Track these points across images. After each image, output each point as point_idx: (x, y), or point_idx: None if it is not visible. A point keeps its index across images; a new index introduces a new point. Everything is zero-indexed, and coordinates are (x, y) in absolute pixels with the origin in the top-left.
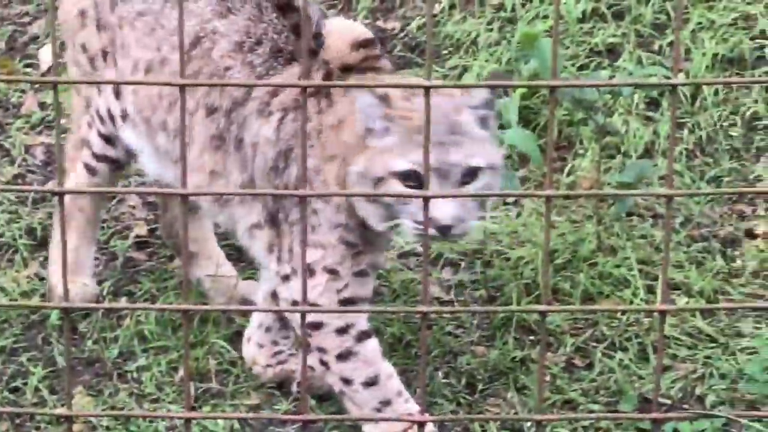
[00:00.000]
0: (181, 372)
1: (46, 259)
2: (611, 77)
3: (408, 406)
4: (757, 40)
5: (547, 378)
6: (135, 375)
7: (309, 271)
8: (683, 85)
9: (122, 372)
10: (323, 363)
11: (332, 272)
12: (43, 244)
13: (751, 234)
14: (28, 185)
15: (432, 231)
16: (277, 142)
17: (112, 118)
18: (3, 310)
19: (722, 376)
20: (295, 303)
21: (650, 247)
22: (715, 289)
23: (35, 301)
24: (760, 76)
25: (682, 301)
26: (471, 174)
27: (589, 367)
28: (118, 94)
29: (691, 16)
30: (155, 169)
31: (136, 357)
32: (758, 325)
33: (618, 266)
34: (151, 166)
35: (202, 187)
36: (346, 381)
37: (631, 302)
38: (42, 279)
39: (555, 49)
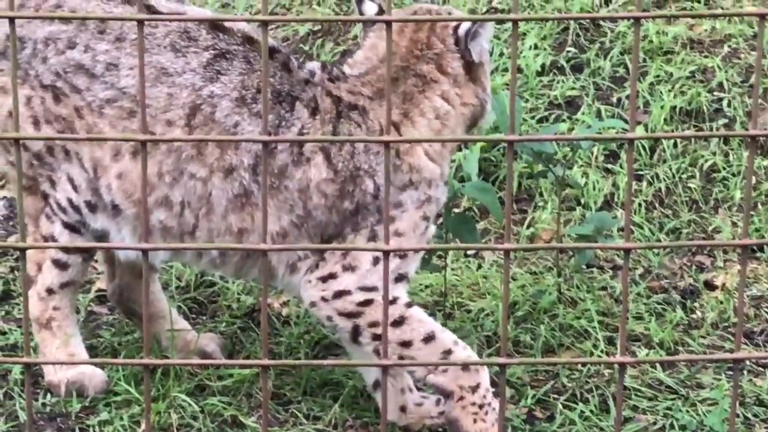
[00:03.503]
0: (143, 426)
1: (8, 313)
2: (570, 129)
3: (468, 353)
4: (715, 93)
5: (508, 430)
6: (97, 429)
7: (375, 260)
8: (640, 139)
9: (84, 426)
10: (377, 337)
11: (402, 257)
12: (4, 297)
13: (710, 285)
14: None
15: None
16: (337, 176)
17: (75, 208)
18: None
19: (682, 428)
20: (338, 294)
21: (610, 299)
22: (675, 341)
23: None
24: (717, 128)
25: (642, 353)
26: None
27: (550, 419)
28: (76, 188)
29: (649, 69)
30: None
31: (98, 411)
32: (718, 377)
33: (578, 318)
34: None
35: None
36: (406, 343)
37: (592, 354)
38: (4, 333)
39: (512, 104)
